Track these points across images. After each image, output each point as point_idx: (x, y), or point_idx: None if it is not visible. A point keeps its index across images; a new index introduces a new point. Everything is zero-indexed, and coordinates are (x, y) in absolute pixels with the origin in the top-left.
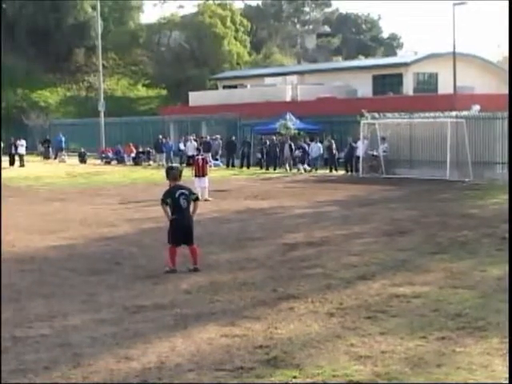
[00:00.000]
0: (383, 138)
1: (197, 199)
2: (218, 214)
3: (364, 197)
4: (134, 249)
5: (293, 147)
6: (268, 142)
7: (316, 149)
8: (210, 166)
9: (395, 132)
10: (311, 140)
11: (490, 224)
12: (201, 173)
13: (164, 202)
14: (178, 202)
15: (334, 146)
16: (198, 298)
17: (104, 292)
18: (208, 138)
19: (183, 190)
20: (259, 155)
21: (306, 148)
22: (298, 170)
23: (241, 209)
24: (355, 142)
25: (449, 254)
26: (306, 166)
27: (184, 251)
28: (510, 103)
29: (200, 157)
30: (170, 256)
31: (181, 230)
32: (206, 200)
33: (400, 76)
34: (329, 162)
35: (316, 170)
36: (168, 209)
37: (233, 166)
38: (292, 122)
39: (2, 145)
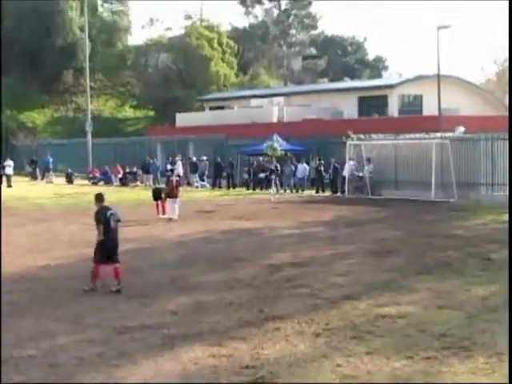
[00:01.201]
0: (368, 159)
1: (119, 221)
2: (204, 235)
3: (350, 217)
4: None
5: (279, 168)
6: (255, 164)
7: (302, 169)
8: (197, 187)
9: (381, 153)
10: (298, 161)
11: (475, 244)
12: (174, 194)
13: (100, 221)
14: (108, 222)
15: (322, 167)
16: (184, 318)
17: (91, 312)
18: (195, 158)
19: (112, 211)
20: (246, 176)
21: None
22: (285, 190)
23: (227, 229)
24: (338, 163)
25: (434, 274)
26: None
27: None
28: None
29: (174, 178)
30: (94, 275)
31: (109, 249)
32: (170, 219)
33: (385, 98)
34: (316, 182)
35: (302, 190)
36: (101, 228)
37: (219, 186)
38: (279, 144)
39: None
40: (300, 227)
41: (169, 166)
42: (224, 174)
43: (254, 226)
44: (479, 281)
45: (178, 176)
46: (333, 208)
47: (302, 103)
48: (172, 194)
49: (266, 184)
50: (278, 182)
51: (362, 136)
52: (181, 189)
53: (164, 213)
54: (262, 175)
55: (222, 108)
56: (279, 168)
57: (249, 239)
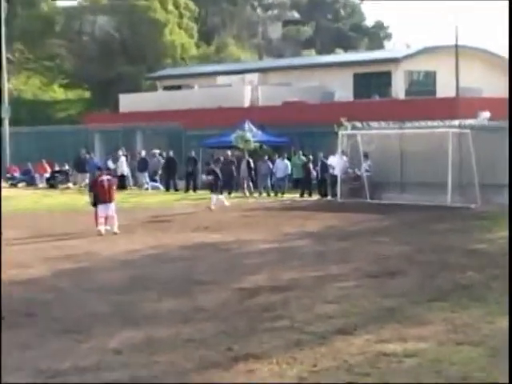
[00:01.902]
0: (366, 154)
1: None
2: (156, 251)
3: (343, 228)
4: (50, 295)
5: (252, 165)
6: (221, 159)
7: (282, 167)
8: (147, 189)
9: (382, 146)
10: (276, 156)
11: (501, 263)
12: (106, 198)
13: None
14: None
15: (311, 164)
16: (130, 358)
17: (12, 351)
18: (144, 153)
19: None
20: (210, 175)
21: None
22: (260, 193)
23: (186, 244)
24: (328, 159)
25: (449, 301)
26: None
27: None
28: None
29: (105, 177)
30: None
31: None
32: (114, 233)
33: (388, 75)
34: (300, 183)
35: (282, 194)
36: None
37: (175, 189)
38: (252, 134)
39: None
40: (279, 241)
41: (110, 163)
42: (181, 172)
43: (221, 240)
44: (505, 310)
45: (122, 176)
46: (321, 216)
47: (281, 81)
48: (103, 198)
49: (236, 185)
50: (250, 184)
51: (358, 124)
52: (115, 191)
53: (106, 223)
54: (204, 177)
55: (178, 88)
56: (252, 165)
57: (214, 256)
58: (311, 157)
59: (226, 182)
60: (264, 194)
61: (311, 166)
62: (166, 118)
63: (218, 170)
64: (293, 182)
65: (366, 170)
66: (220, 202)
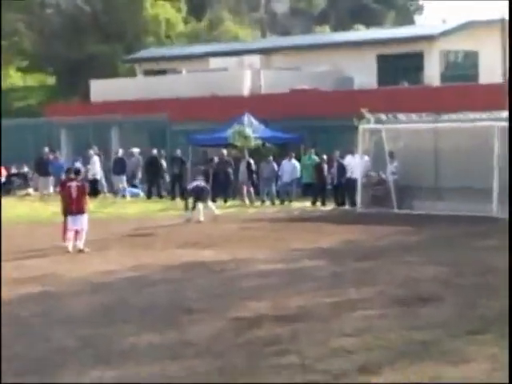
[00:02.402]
0: (392, 154)
1: None
2: (136, 272)
3: (364, 244)
4: (9, 327)
5: (253, 167)
6: (215, 160)
7: (290, 169)
8: (124, 196)
9: (412, 143)
10: (282, 156)
11: None
12: (75, 208)
13: None
14: None
15: (325, 165)
16: None
17: None
18: (121, 152)
19: None
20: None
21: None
22: (263, 201)
23: (172, 263)
24: (344, 158)
25: (495, 333)
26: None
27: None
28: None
29: (74, 183)
30: None
31: None
32: (80, 251)
33: (420, 56)
34: (312, 189)
35: (290, 202)
36: None
37: (159, 196)
38: (252, 129)
39: None
40: (286, 260)
41: (78, 164)
42: (167, 175)
43: (214, 259)
44: None
45: (94, 180)
46: (337, 229)
47: (288, 65)
48: (71, 208)
49: (234, 192)
50: (251, 189)
51: (382, 117)
52: (88, 199)
53: (77, 238)
54: (194, 184)
55: (163, 73)
56: (253, 167)
57: (206, 279)
58: (325, 157)
59: (220, 188)
60: (267, 203)
61: (325, 167)
62: (147, 109)
63: (209, 173)
64: (303, 187)
65: (393, 173)
66: (209, 211)
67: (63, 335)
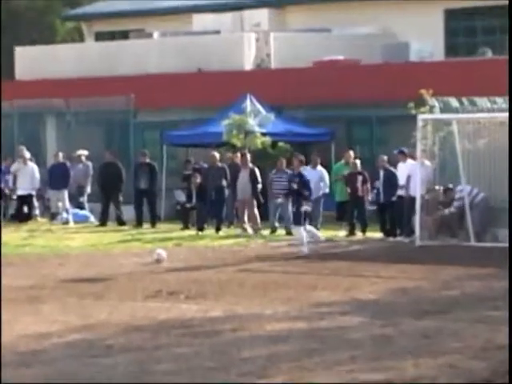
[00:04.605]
0: (468, 157)
1: None
2: (84, 336)
3: (425, 293)
4: None
5: (259, 178)
6: (203, 167)
7: (314, 181)
8: (66, 221)
9: (499, 142)
10: (304, 162)
11: None
12: None
13: None
14: None
15: (366, 175)
16: None
17: None
18: (61, 156)
19: None
20: (181, 196)
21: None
22: (274, 229)
23: (138, 322)
24: (395, 165)
25: None
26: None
27: None
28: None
29: None
30: None
31: None
32: None
33: (505, 10)
34: (353, 211)
35: (316, 229)
36: None
37: (119, 220)
38: (258, 120)
39: None
40: (308, 316)
41: None
42: (130, 190)
43: (202, 315)
44: None
45: (22, 196)
46: (385, 271)
47: (311, 25)
48: None
49: (230, 215)
50: (255, 211)
51: (453, 102)
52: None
53: None
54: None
55: (124, 36)
56: (259, 178)
57: (190, 346)
58: (358, 161)
59: (210, 209)
60: (280, 231)
61: (365, 178)
62: (100, 91)
63: (192, 186)
64: (336, 207)
65: (470, 188)
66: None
67: None
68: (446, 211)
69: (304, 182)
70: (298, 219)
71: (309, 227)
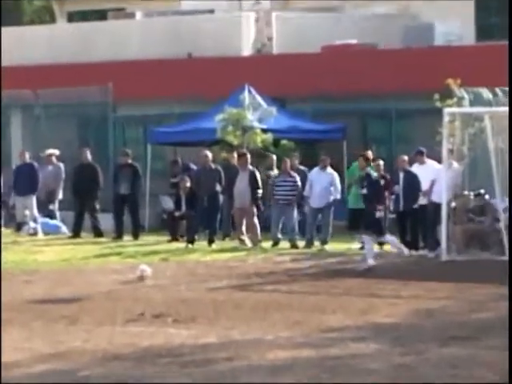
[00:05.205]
0: (503, 158)
1: None
2: (52, 365)
3: (454, 316)
4: None
5: (259, 182)
6: (193, 169)
7: (324, 185)
8: (34, 232)
9: None
10: (311, 162)
11: None
12: None
13: None
14: None
15: (388, 176)
16: None
17: None
18: (28, 156)
19: None
20: (169, 202)
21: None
22: (276, 242)
23: (118, 349)
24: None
25: None
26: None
27: None
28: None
29: None
30: None
31: None
32: None
33: None
34: (369, 220)
35: (324, 243)
36: None
37: (96, 231)
38: (258, 114)
39: None
40: (315, 343)
41: None
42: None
43: (193, 342)
44: None
45: None
46: (406, 290)
47: (319, 3)
48: None
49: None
50: (255, 221)
51: (485, 93)
52: None
53: None
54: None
55: (101, 16)
56: (259, 182)
57: (179, 377)
58: (382, 162)
59: (203, 218)
60: (284, 243)
61: (388, 182)
62: (74, 80)
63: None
64: (348, 216)
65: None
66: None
67: None
68: (477, 220)
69: (374, 183)
70: (378, 228)
71: (390, 237)
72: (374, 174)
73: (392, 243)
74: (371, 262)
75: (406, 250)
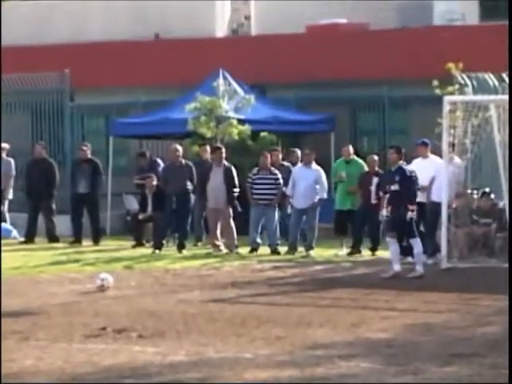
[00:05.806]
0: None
1: None
2: None
3: (456, 330)
4: None
5: (235, 180)
6: (159, 165)
7: (308, 183)
8: None
9: None
10: (293, 157)
11: None
12: None
13: None
14: None
15: (375, 177)
16: None
17: None
18: None
19: None
20: (133, 202)
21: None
22: (255, 247)
23: (75, 369)
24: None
25: None
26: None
27: None
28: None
29: None
30: None
31: None
32: None
33: None
34: (359, 223)
35: (308, 248)
36: None
37: (51, 236)
38: (233, 102)
39: None
40: (299, 362)
41: None
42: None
43: (160, 359)
44: None
45: None
46: (400, 302)
47: None
48: None
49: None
50: (231, 223)
51: (489, 79)
52: None
53: None
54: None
55: None
56: (236, 179)
57: None
58: (376, 157)
59: (171, 220)
60: (264, 249)
61: (375, 180)
62: (26, 64)
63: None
64: (334, 218)
65: None
66: None
67: None
68: (480, 223)
69: (408, 179)
70: (409, 229)
71: (419, 243)
72: (408, 169)
73: (417, 251)
74: (397, 267)
75: (420, 269)
